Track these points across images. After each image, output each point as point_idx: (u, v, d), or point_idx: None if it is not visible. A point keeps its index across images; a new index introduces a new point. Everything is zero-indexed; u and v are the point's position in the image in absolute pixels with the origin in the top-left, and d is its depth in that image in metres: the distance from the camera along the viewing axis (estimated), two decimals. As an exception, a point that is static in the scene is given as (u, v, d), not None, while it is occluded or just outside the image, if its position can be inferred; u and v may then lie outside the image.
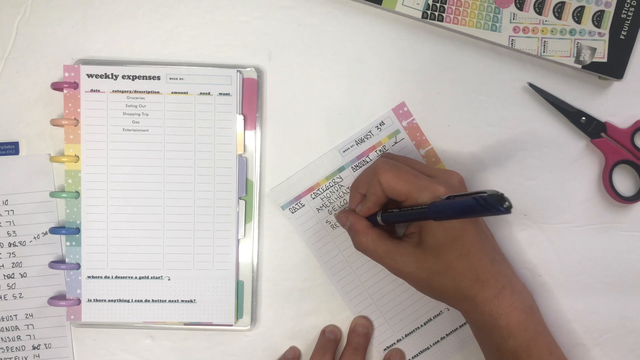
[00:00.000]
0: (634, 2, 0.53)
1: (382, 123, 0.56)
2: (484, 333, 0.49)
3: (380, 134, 0.56)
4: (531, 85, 0.56)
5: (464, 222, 0.47)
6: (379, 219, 0.51)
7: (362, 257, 0.57)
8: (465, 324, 0.57)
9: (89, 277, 0.56)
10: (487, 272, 0.48)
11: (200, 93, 0.55)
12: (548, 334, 0.50)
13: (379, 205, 0.51)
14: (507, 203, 0.38)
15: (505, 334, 0.48)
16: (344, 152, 0.56)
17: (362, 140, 0.56)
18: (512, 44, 0.54)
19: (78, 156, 0.55)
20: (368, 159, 0.56)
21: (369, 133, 0.56)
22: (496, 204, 0.39)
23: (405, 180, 0.48)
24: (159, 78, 0.55)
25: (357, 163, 0.56)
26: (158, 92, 0.55)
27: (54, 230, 0.55)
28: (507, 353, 0.48)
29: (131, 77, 0.55)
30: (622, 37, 0.54)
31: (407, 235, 0.52)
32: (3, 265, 0.57)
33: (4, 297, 0.57)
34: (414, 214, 0.47)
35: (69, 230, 0.55)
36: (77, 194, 0.55)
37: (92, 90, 0.55)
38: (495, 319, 0.48)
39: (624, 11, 0.53)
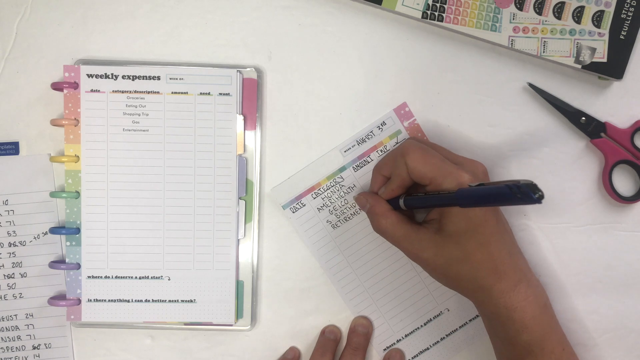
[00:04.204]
0: (633, 2, 0.53)
1: (383, 123, 0.56)
2: (497, 325, 0.49)
3: (381, 134, 0.56)
4: (531, 85, 0.56)
5: (486, 212, 0.47)
6: (401, 202, 0.51)
7: (362, 257, 0.57)
8: (465, 324, 0.57)
9: (89, 277, 0.56)
10: (505, 264, 0.48)
11: (200, 93, 0.55)
12: (560, 330, 0.51)
13: (403, 188, 0.51)
14: (540, 193, 0.38)
15: (519, 327, 0.48)
16: (345, 152, 0.56)
17: (363, 140, 0.56)
18: (512, 44, 0.54)
19: (78, 156, 0.55)
20: (369, 159, 0.56)
21: (371, 133, 0.56)
22: (530, 192, 0.38)
23: (432, 164, 0.48)
24: (159, 78, 0.55)
25: (358, 163, 0.56)
26: (158, 92, 0.55)
27: (54, 230, 0.55)
28: (519, 347, 0.48)
29: (131, 77, 0.55)
30: (622, 37, 0.54)
31: (427, 221, 0.52)
32: (3, 265, 0.57)
33: (4, 297, 0.57)
34: (439, 199, 0.47)
35: (69, 230, 0.55)
36: (77, 194, 0.55)
37: (92, 90, 0.55)
38: (510, 311, 0.48)
39: (623, 11, 0.53)
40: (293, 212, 0.57)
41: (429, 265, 0.50)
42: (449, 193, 0.46)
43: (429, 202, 0.48)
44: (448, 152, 0.52)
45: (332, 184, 0.56)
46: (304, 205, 0.57)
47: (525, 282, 0.48)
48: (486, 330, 0.52)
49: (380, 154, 0.56)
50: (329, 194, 0.57)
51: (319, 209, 0.57)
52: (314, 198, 0.57)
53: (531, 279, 0.50)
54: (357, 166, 0.56)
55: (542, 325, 0.48)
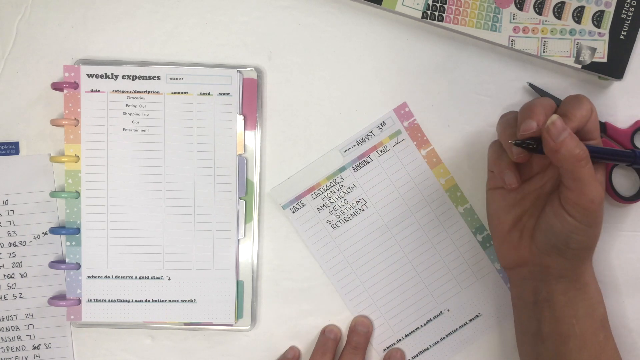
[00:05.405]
0: (634, 2, 0.53)
1: (383, 123, 0.56)
2: (586, 297, 0.49)
3: (381, 135, 0.56)
4: (531, 85, 0.56)
5: None
6: None
7: (362, 257, 0.57)
8: (465, 324, 0.57)
9: (89, 277, 0.56)
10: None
11: (200, 93, 0.55)
12: None
13: (579, 129, 0.47)
14: None
15: (599, 299, 0.50)
16: (345, 152, 0.56)
17: (363, 141, 0.56)
18: (512, 44, 0.54)
19: (78, 156, 0.55)
20: (369, 159, 0.56)
21: (370, 133, 0.56)
22: None
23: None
24: (159, 78, 0.55)
25: (358, 163, 0.56)
26: (158, 92, 0.55)
27: (54, 230, 0.55)
28: (596, 320, 0.49)
29: (131, 77, 0.55)
30: (622, 37, 0.54)
31: None
32: (3, 265, 0.57)
33: (4, 297, 0.57)
34: (616, 154, 0.49)
35: (69, 230, 0.55)
36: (77, 194, 0.55)
37: (92, 90, 0.55)
38: (595, 281, 0.50)
39: (624, 11, 0.53)
40: (293, 212, 0.57)
41: (599, 208, 0.47)
42: (627, 150, 0.49)
43: (606, 154, 0.48)
44: None
45: (331, 184, 0.56)
46: (304, 205, 0.57)
47: None
48: (550, 313, 0.50)
49: (380, 154, 0.56)
50: (328, 194, 0.57)
51: (318, 209, 0.57)
52: (314, 198, 0.57)
53: None
54: (357, 166, 0.56)
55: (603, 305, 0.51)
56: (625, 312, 0.57)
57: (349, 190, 0.57)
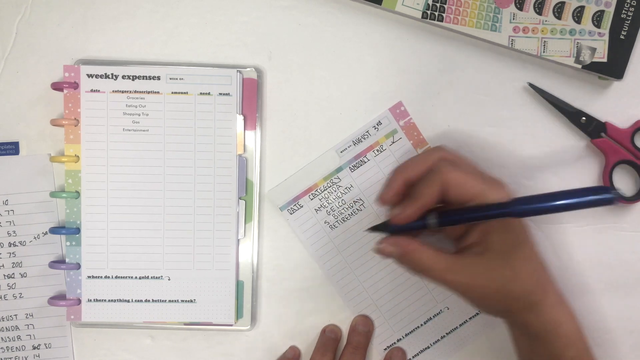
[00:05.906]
0: (634, 2, 0.53)
1: (379, 123, 0.56)
2: (540, 345, 0.47)
3: (377, 134, 0.56)
4: (531, 85, 0.56)
5: (527, 224, 0.46)
6: (432, 222, 0.47)
7: (360, 257, 0.57)
8: (465, 322, 0.57)
9: (89, 277, 0.56)
10: (545, 277, 0.47)
11: (200, 93, 0.55)
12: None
13: (426, 208, 0.46)
14: (614, 192, 0.38)
15: (565, 343, 0.46)
16: (341, 152, 0.56)
17: (359, 141, 0.56)
18: (512, 44, 0.54)
19: (78, 156, 0.55)
20: (366, 159, 0.56)
21: (367, 133, 0.56)
22: (609, 190, 0.38)
23: (475, 177, 0.45)
24: (159, 78, 0.55)
25: (354, 163, 0.56)
26: (158, 92, 0.55)
27: (54, 230, 0.55)
28: None
29: (131, 77, 0.55)
30: (622, 37, 0.54)
31: (465, 247, 0.48)
32: (3, 265, 0.57)
33: (4, 297, 0.57)
34: (489, 210, 0.44)
35: (69, 230, 0.55)
36: (77, 194, 0.55)
37: (92, 90, 0.55)
38: (557, 326, 0.46)
39: (624, 11, 0.53)
40: (291, 214, 0.57)
41: (480, 293, 0.46)
42: (500, 204, 0.44)
43: (476, 215, 0.45)
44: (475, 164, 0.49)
45: (329, 185, 0.56)
46: (302, 206, 0.57)
47: (562, 294, 0.47)
48: (520, 356, 0.50)
49: (377, 153, 0.56)
50: (326, 195, 0.57)
51: (316, 210, 0.57)
52: (312, 199, 0.57)
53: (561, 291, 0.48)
54: (354, 166, 0.56)
55: (584, 339, 0.47)
56: (626, 313, 0.57)
57: (346, 190, 0.57)
